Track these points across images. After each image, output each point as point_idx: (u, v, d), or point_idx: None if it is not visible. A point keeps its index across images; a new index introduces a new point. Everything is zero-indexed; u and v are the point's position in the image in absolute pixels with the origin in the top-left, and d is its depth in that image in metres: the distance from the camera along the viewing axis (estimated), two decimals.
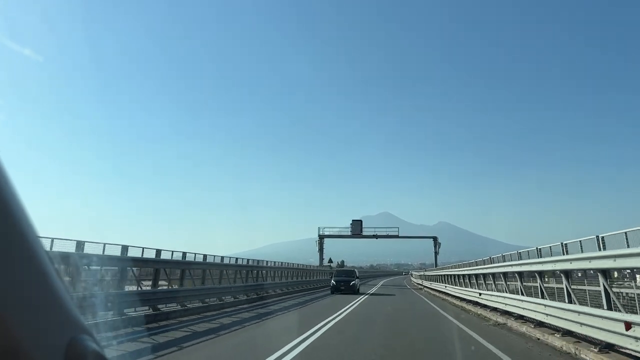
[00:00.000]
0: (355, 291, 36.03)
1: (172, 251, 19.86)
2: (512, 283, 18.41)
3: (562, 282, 11.89)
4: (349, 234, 69.85)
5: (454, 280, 31.10)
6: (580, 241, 10.59)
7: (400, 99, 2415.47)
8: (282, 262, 42.49)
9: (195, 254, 21.85)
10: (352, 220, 70.75)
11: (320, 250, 68.56)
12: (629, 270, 13.35)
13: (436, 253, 66.65)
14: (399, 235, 69.27)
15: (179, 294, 18.35)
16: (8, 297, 0.89)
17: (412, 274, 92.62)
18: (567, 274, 11.35)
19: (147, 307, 15.67)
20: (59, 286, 1.03)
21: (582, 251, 10.48)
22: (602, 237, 9.24)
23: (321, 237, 69.14)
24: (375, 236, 69.76)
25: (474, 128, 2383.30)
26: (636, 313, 10.43)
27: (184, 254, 20.90)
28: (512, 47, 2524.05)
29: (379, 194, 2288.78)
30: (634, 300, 12.86)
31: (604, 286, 9.13)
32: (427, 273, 52.66)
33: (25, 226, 0.96)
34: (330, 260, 60.11)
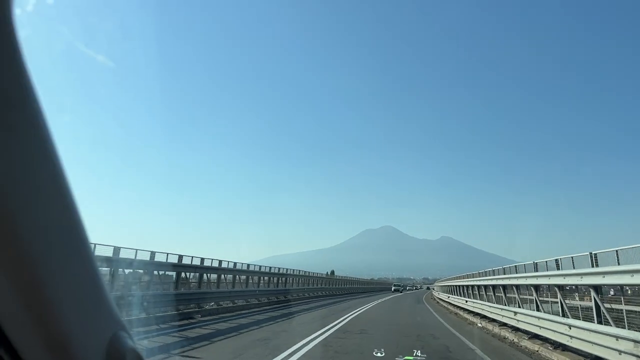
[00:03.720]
0: None
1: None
2: None
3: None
4: None
5: None
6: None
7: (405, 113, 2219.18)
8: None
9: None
10: None
11: None
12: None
13: None
14: None
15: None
16: (63, 292, 0.88)
17: (434, 289, 51.15)
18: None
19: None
20: (102, 285, 1.01)
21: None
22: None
23: None
24: None
25: (481, 139, 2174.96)
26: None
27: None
28: (528, 50, 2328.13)
29: (383, 207, 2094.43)
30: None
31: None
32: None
33: (79, 228, 0.94)
34: None
